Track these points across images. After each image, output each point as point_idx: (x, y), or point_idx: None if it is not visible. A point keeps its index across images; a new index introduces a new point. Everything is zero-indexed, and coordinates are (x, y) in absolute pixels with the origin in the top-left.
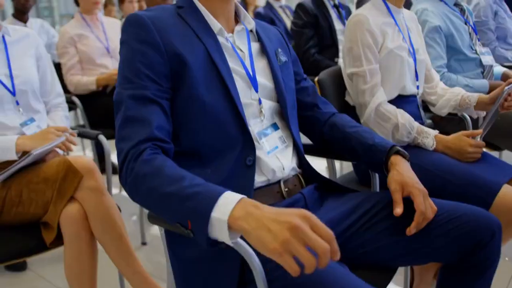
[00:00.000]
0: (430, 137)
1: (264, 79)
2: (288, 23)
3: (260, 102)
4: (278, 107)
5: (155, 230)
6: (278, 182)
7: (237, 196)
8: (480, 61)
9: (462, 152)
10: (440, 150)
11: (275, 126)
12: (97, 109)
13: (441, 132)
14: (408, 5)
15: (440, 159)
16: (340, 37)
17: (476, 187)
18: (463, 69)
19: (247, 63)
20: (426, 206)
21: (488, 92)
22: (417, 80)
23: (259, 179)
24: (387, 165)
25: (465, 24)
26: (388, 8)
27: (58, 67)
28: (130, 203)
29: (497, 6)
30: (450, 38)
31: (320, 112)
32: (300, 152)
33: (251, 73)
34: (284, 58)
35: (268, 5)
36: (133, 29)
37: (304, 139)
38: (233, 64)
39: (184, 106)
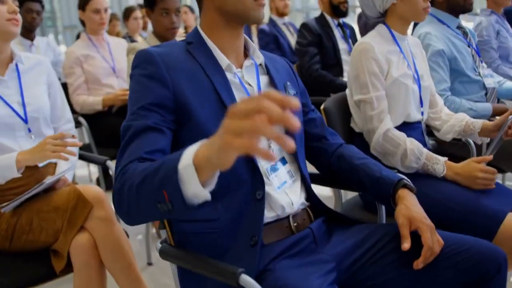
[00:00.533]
0: (440, 163)
1: None
2: (292, 40)
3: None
4: None
5: None
6: (287, 217)
7: (199, 143)
8: (484, 83)
9: (472, 178)
10: (450, 177)
11: (283, 161)
12: (103, 128)
13: (444, 155)
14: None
15: (446, 188)
16: (344, 56)
17: (481, 216)
18: (467, 91)
19: None
20: (433, 241)
21: (492, 115)
22: (421, 106)
23: (269, 215)
24: (394, 198)
25: (468, 46)
26: (393, 35)
27: (64, 86)
28: None
29: (499, 25)
30: (454, 61)
31: (327, 143)
32: (307, 185)
33: None
34: (292, 91)
35: (272, 22)
36: (142, 64)
37: (311, 168)
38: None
39: (193, 140)
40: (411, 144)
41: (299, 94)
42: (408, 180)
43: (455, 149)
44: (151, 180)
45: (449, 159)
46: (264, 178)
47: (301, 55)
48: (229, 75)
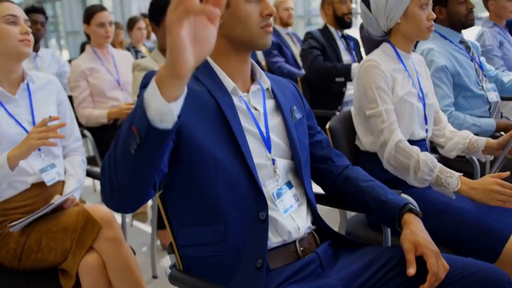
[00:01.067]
0: (454, 177)
1: (278, 138)
2: (295, 50)
3: (273, 162)
4: (292, 164)
5: (167, 263)
6: (294, 241)
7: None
8: (487, 97)
9: (488, 192)
10: (465, 192)
11: (289, 185)
12: (108, 141)
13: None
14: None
15: (451, 208)
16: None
17: (485, 236)
18: (471, 105)
19: (261, 122)
20: (439, 267)
21: (496, 131)
22: (426, 124)
23: (275, 239)
24: (400, 222)
25: (471, 61)
26: (397, 53)
27: (70, 99)
28: (140, 235)
29: (502, 37)
30: (457, 76)
31: (334, 165)
32: (313, 208)
33: (264, 133)
34: (299, 115)
35: (275, 32)
36: (147, 80)
37: (317, 188)
38: (246, 123)
39: (195, 160)
40: (424, 155)
41: (305, 117)
42: (414, 204)
43: (458, 165)
44: (123, 128)
45: None
46: (269, 203)
47: (305, 57)
48: (235, 99)
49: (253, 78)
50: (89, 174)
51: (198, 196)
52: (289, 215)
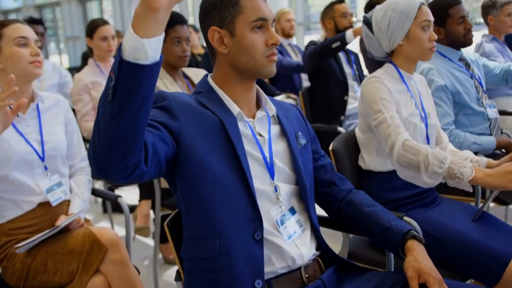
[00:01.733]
0: (468, 166)
1: (283, 163)
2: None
3: (276, 189)
4: (296, 189)
5: (169, 277)
6: (299, 268)
7: None
8: (487, 114)
9: (505, 174)
10: (481, 179)
11: (292, 211)
12: None
13: (449, 188)
14: None
15: (452, 230)
16: (349, 81)
17: (486, 258)
18: (471, 123)
19: (266, 149)
20: None
21: (496, 149)
22: (428, 143)
23: (280, 265)
24: (403, 248)
25: (471, 78)
26: (400, 74)
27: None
28: (143, 248)
29: (501, 52)
30: (457, 94)
31: (337, 189)
32: (317, 233)
33: (268, 159)
34: (304, 141)
35: None
36: (157, 100)
37: (319, 210)
38: (250, 148)
39: (195, 172)
40: (432, 149)
41: (309, 142)
42: (417, 230)
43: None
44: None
45: (454, 194)
46: (273, 229)
47: (304, 54)
48: (240, 125)
49: (258, 104)
50: (95, 193)
51: (196, 207)
52: (293, 242)
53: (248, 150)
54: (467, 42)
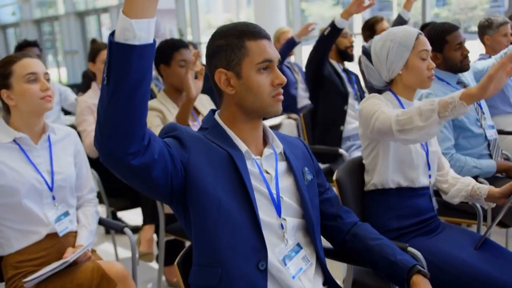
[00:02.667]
0: (454, 101)
1: (289, 199)
2: (298, 81)
3: (282, 227)
4: (303, 223)
5: None
6: None
7: None
8: (486, 135)
9: (491, 77)
10: (471, 96)
11: (298, 247)
12: (113, 178)
13: (451, 210)
14: None
15: (454, 258)
16: (350, 99)
17: (487, 287)
18: (471, 145)
19: (273, 186)
20: None
21: (496, 172)
22: (429, 169)
23: None
24: (408, 282)
25: None
26: (400, 102)
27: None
28: (147, 271)
29: None
30: (456, 119)
31: (342, 222)
32: (324, 267)
33: (275, 196)
34: (310, 176)
35: None
36: (166, 129)
37: (324, 242)
38: (258, 184)
39: (201, 200)
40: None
41: (315, 177)
42: (422, 265)
43: (462, 207)
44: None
45: (456, 216)
46: (278, 264)
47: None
48: (248, 163)
49: (265, 140)
50: (102, 223)
51: (201, 236)
52: (299, 278)
53: (255, 186)
54: (464, 67)
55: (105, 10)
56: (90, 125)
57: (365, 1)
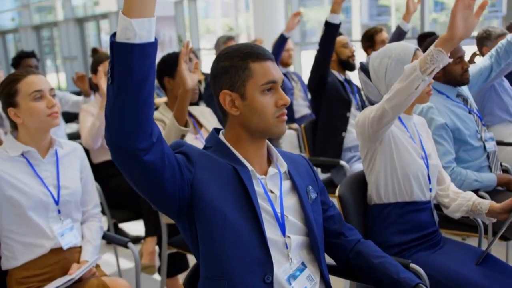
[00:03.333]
0: (431, 51)
1: (294, 217)
2: (296, 91)
3: (286, 246)
4: (307, 240)
5: None
6: None
7: None
8: (485, 147)
9: (455, 19)
10: (449, 40)
11: (303, 266)
12: (115, 190)
13: (452, 223)
14: None
15: (454, 273)
16: (352, 109)
17: None
18: (472, 157)
19: (277, 205)
20: None
21: (496, 186)
22: (430, 183)
23: None
24: None
25: (469, 113)
26: (399, 117)
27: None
28: (148, 282)
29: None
30: (457, 131)
31: (346, 239)
32: (328, 285)
33: (279, 216)
34: (314, 195)
35: None
36: (173, 146)
37: (328, 259)
38: (262, 202)
39: (207, 214)
40: None
41: (319, 195)
42: (425, 284)
43: (463, 220)
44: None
45: (457, 229)
46: (282, 282)
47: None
48: (253, 182)
49: (269, 159)
50: (106, 238)
51: (207, 248)
52: None
53: (261, 204)
54: (464, 81)
55: (104, 16)
56: (88, 121)
57: None
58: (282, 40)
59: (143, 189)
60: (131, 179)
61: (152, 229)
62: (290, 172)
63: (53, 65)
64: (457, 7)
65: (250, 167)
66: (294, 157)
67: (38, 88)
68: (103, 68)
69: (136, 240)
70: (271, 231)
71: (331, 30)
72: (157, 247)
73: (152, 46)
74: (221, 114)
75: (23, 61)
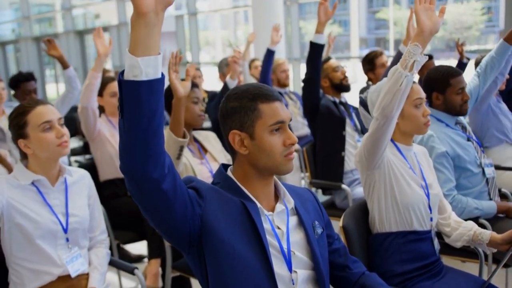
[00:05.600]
0: (408, 49)
1: (300, 253)
2: (295, 109)
3: (293, 282)
4: (313, 274)
5: None
6: None
7: None
8: (484, 172)
9: (418, 12)
10: (420, 35)
11: None
12: (119, 211)
13: (454, 249)
14: None
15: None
16: (348, 128)
17: None
18: (472, 184)
19: (284, 241)
20: None
21: (497, 213)
22: (430, 212)
23: None
24: None
25: (468, 140)
26: (397, 147)
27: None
28: None
29: (494, 105)
30: (457, 159)
31: (351, 272)
32: None
33: (286, 251)
34: (320, 230)
35: None
36: (184, 181)
37: None
38: (269, 237)
39: (215, 246)
40: None
41: (325, 228)
42: None
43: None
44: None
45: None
46: None
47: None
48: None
49: (276, 195)
50: (112, 263)
51: (216, 282)
52: None
53: (268, 239)
54: (462, 112)
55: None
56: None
57: (329, 6)
58: (269, 54)
59: (156, 219)
60: (145, 209)
61: (157, 251)
62: (297, 208)
63: (53, 75)
64: (417, 8)
65: (258, 204)
66: (301, 192)
67: (47, 119)
68: (110, 90)
69: (138, 259)
70: (278, 266)
71: (316, 50)
72: (161, 269)
73: (158, 82)
74: (230, 152)
75: (22, 86)
